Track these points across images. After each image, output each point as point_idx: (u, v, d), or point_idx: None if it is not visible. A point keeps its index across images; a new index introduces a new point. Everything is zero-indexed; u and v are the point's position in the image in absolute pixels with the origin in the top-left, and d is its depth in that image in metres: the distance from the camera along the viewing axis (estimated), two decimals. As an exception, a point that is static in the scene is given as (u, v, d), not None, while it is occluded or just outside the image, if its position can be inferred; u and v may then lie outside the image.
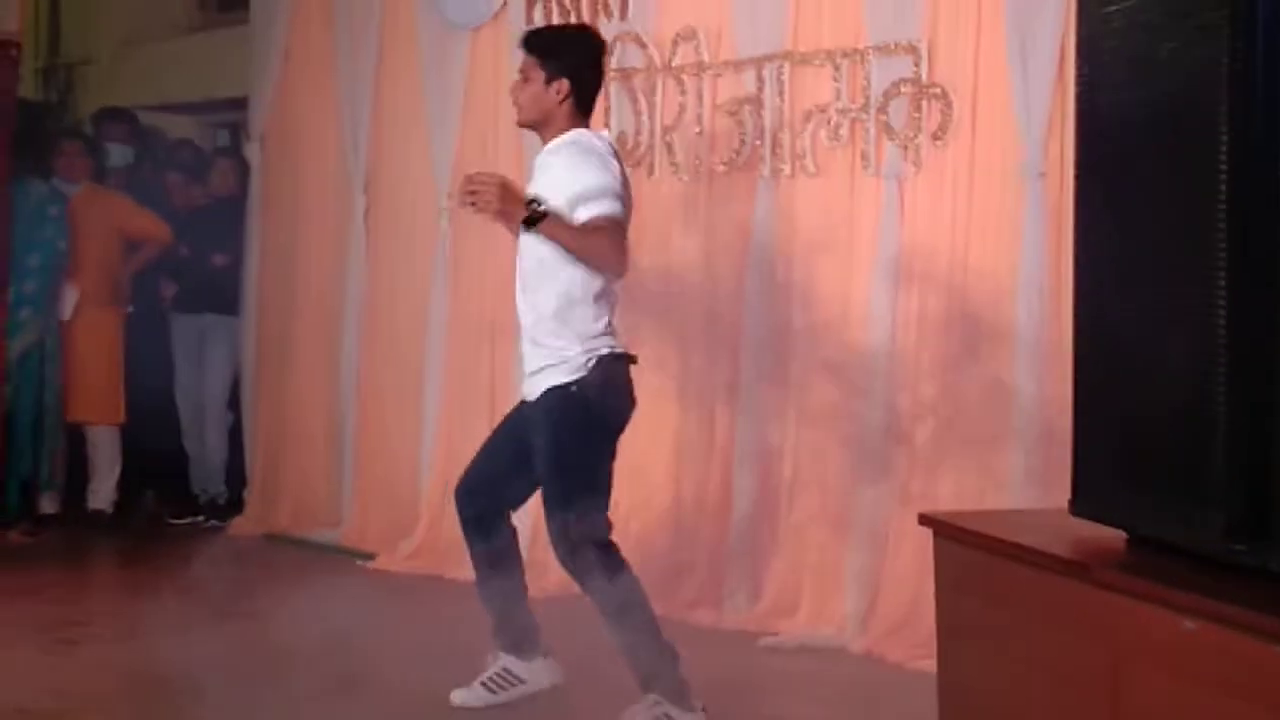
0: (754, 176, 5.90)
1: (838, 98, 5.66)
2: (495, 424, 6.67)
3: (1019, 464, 5.15)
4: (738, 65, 5.96)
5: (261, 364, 7.77)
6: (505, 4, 6.70)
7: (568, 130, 4.41)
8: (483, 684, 4.64)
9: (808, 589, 5.69)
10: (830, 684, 5.03)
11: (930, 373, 5.47)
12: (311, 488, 7.54)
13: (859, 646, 5.39)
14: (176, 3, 10.19)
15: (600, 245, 4.28)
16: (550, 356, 4.35)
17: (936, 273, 5.45)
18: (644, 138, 6.20)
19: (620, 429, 4.44)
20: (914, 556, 5.08)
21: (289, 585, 6.21)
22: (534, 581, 6.18)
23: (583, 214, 4.23)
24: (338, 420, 7.41)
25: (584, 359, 4.31)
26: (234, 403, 7.97)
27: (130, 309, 7.79)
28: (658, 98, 6.18)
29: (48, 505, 7.52)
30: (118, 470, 7.64)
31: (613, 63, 6.24)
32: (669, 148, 6.10)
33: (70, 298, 7.37)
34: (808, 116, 5.73)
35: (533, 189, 4.35)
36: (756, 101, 5.88)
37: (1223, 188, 2.30)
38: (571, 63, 4.44)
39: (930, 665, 3.15)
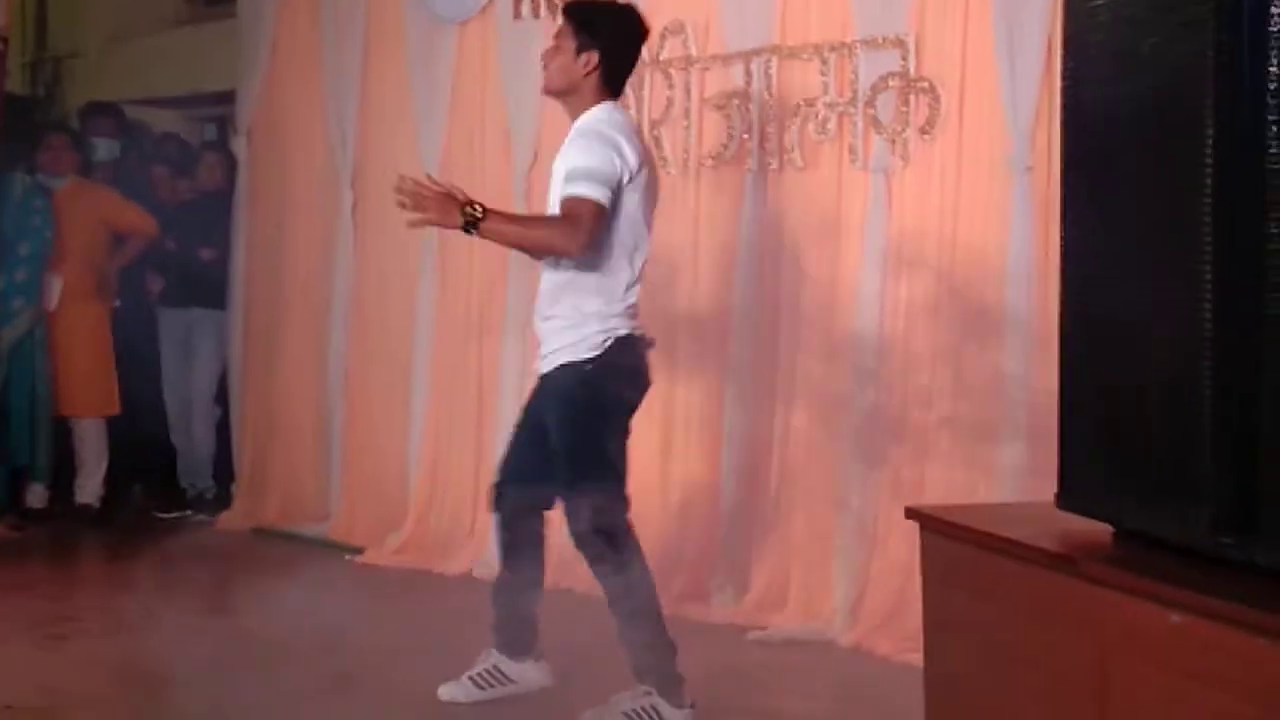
0: (742, 171, 5.90)
1: (825, 91, 5.67)
2: (483, 419, 6.76)
3: (1010, 456, 5.16)
4: (725, 59, 5.96)
5: (249, 358, 7.77)
6: (492, -2, 6.69)
7: (592, 105, 4.37)
8: (471, 679, 4.64)
9: (796, 582, 5.70)
10: (819, 677, 5.04)
11: (920, 366, 5.47)
12: (299, 482, 7.54)
13: (847, 640, 5.40)
14: (164, -3, 10.19)
15: (545, 232, 4.30)
16: (566, 335, 4.33)
17: (924, 266, 5.46)
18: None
19: (633, 409, 4.42)
20: (902, 550, 5.09)
21: (277, 580, 6.22)
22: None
23: (565, 194, 4.23)
24: (325, 414, 7.41)
25: (600, 338, 4.29)
26: (221, 397, 7.96)
27: (117, 303, 7.78)
28: (645, 92, 6.17)
29: (35, 500, 7.52)
30: (105, 464, 7.62)
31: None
32: (656, 142, 6.09)
33: (55, 286, 7.35)
34: (795, 110, 5.74)
35: (557, 165, 4.35)
36: (744, 95, 5.88)
37: (1208, 181, 2.30)
38: (605, 36, 4.39)
39: (919, 658, 3.15)
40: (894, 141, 5.48)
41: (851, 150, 5.60)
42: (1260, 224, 2.24)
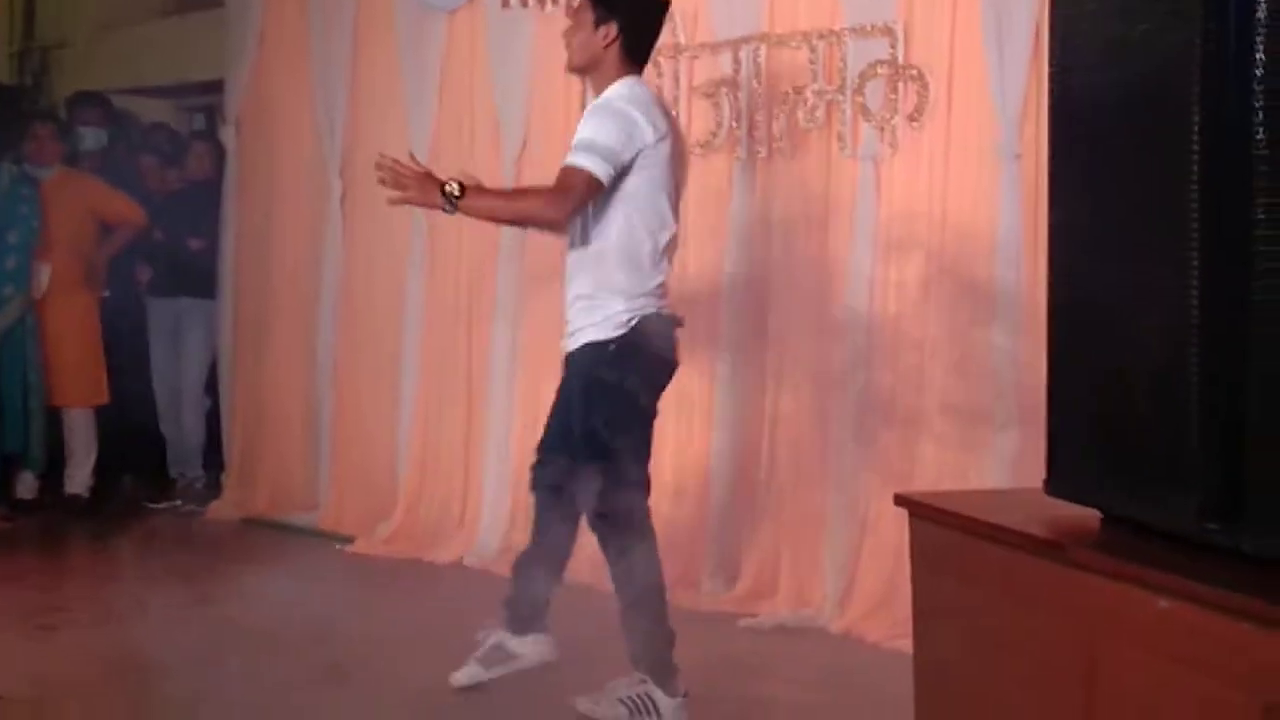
0: (730, 159, 5.90)
1: (814, 79, 5.66)
2: (472, 407, 6.76)
3: (999, 442, 5.17)
4: (714, 47, 5.95)
5: (238, 348, 7.76)
6: (482, -15, 6.67)
7: (616, 79, 4.33)
8: (477, 660, 4.62)
9: (786, 570, 5.71)
10: (809, 665, 5.05)
11: (909, 353, 5.48)
12: (289, 471, 7.53)
13: (838, 627, 5.41)
14: (151, -14, 10.16)
15: (527, 203, 4.30)
16: (589, 314, 4.31)
17: (914, 253, 5.46)
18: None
19: (658, 391, 4.39)
20: (892, 537, 5.10)
21: (267, 570, 6.22)
22: (511, 564, 6.23)
23: (562, 164, 4.22)
24: (315, 403, 7.40)
25: (625, 317, 4.26)
26: (211, 387, 7.94)
27: (106, 293, 7.77)
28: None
29: (24, 490, 7.52)
30: (94, 455, 7.62)
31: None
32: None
33: (43, 274, 7.34)
34: (784, 98, 5.74)
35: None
36: (733, 83, 5.88)
37: (1195, 168, 2.29)
38: (623, 7, 4.35)
39: (908, 645, 3.16)
40: (883, 129, 5.49)
41: (840, 138, 5.60)
42: (1247, 211, 2.24)
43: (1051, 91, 2.77)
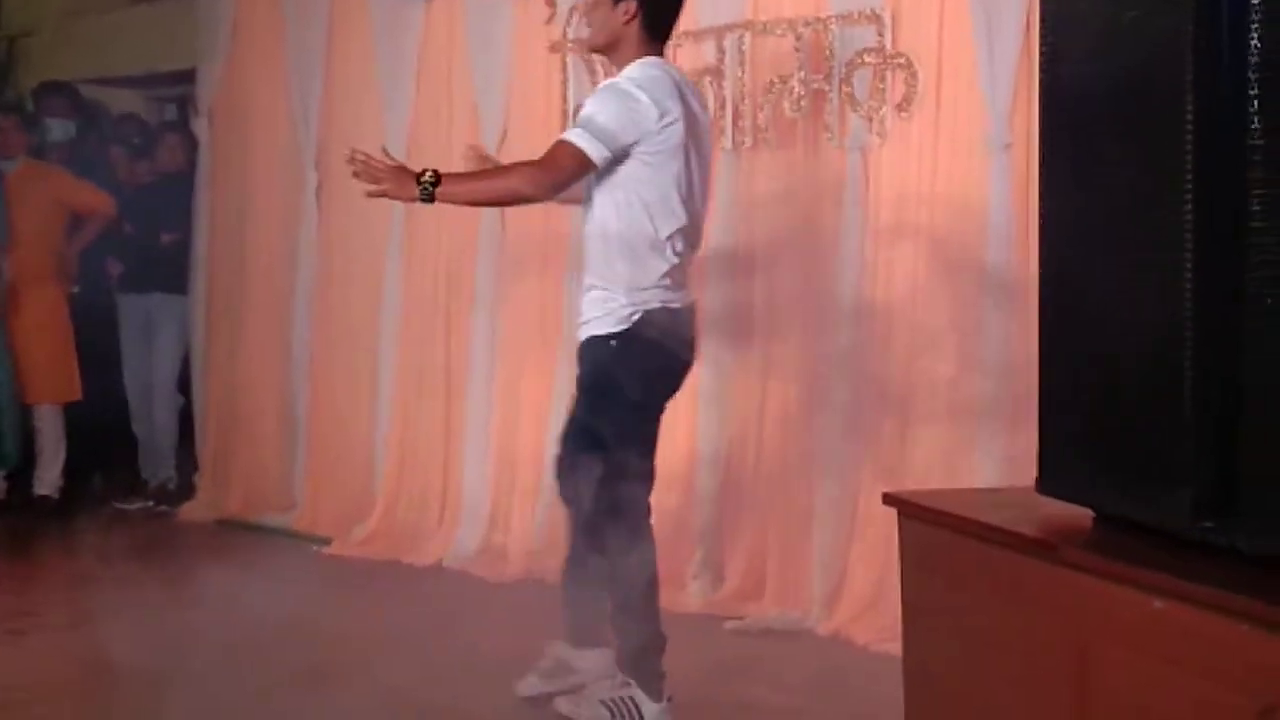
0: (715, 149, 5.83)
1: (800, 68, 5.59)
2: (451, 404, 6.71)
3: (991, 438, 5.11)
4: (698, 35, 5.87)
5: (211, 344, 7.68)
6: (459, -27, 6.60)
7: (635, 58, 4.22)
8: (537, 672, 4.53)
9: (773, 569, 5.65)
10: (796, 667, 4.99)
11: (899, 347, 5.42)
12: (263, 471, 7.44)
13: (825, 629, 5.36)
14: (121, -29, 10.05)
15: (505, 180, 4.18)
16: (596, 306, 4.22)
17: (902, 245, 5.41)
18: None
19: (666, 389, 4.30)
20: (882, 535, 5.05)
21: (242, 572, 6.15)
22: (491, 566, 6.20)
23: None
24: (290, 401, 7.32)
25: (627, 311, 4.16)
26: (184, 384, 7.87)
27: (76, 288, 7.69)
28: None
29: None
30: (63, 455, 7.54)
31: (569, 33, 6.19)
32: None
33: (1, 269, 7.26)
34: (769, 87, 5.67)
35: None
36: (717, 72, 5.80)
37: (1188, 159, 2.29)
38: None
39: (897, 647, 3.13)
40: (870, 119, 5.43)
41: (827, 128, 5.54)
42: (1241, 202, 2.23)
43: (1042, 80, 2.75)
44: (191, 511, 7.50)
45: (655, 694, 4.25)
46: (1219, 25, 2.25)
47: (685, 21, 5.82)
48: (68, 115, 8.22)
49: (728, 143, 5.75)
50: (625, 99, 4.11)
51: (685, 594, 5.69)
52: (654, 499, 5.72)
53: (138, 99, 9.85)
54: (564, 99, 6.21)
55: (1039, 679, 2.53)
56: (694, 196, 4.26)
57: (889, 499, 3.05)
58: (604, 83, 4.28)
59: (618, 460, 4.20)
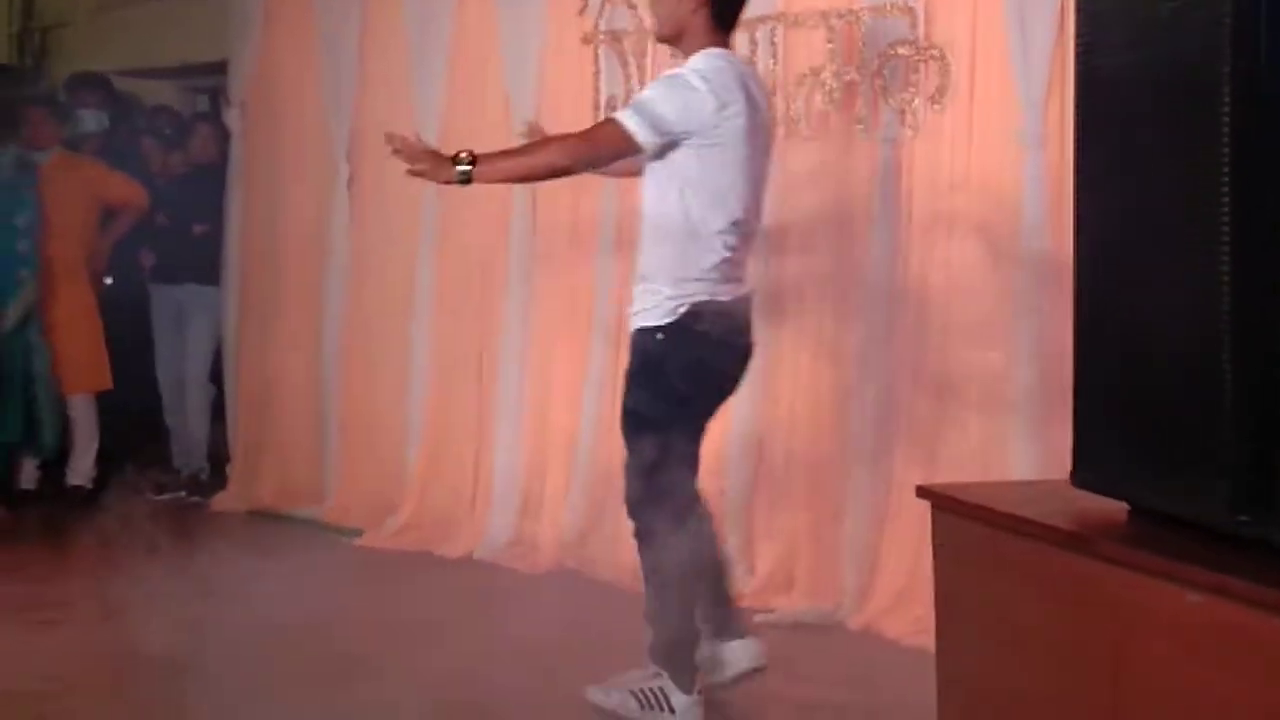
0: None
1: (832, 60, 5.57)
2: (483, 395, 6.71)
3: (1023, 431, 5.09)
4: (730, 27, 5.85)
5: (243, 335, 7.67)
6: (492, -39, 6.58)
7: (704, 47, 4.17)
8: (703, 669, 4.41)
9: (804, 563, 5.63)
10: (826, 661, 4.97)
11: (931, 339, 5.39)
12: (295, 462, 7.44)
13: (856, 623, 5.33)
14: (153, -36, 10.07)
15: (541, 156, 4.16)
16: (644, 298, 4.19)
17: (935, 238, 5.38)
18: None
19: (715, 382, 4.25)
20: (913, 529, 5.03)
21: (274, 563, 6.15)
22: (523, 557, 6.20)
23: None
24: (322, 393, 7.31)
25: (672, 304, 4.12)
26: (216, 376, 7.88)
27: (109, 280, 7.70)
28: (648, 61, 6.07)
29: (26, 481, 7.45)
30: (95, 445, 7.55)
31: (601, 25, 6.17)
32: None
33: None
34: (801, 80, 5.65)
35: None
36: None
37: (1226, 151, 2.28)
38: None
39: (928, 641, 3.12)
40: (903, 111, 5.40)
41: (859, 120, 5.51)
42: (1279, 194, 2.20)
43: (1077, 73, 2.74)
44: (223, 502, 7.51)
45: (686, 686, 4.23)
46: (1258, 17, 2.25)
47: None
48: (100, 106, 8.24)
49: (760, 135, 5.73)
50: (684, 88, 4.07)
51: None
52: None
53: (170, 90, 9.85)
54: (596, 90, 6.19)
55: (1073, 674, 2.52)
56: (751, 191, 4.20)
57: (922, 492, 3.04)
58: (667, 72, 4.23)
59: (660, 451, 4.15)
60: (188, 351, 7.84)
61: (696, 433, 4.26)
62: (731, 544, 5.72)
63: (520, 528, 6.37)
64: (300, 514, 7.19)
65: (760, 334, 5.67)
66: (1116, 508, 2.64)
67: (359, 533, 6.76)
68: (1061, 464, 2.81)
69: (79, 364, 7.42)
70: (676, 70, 4.17)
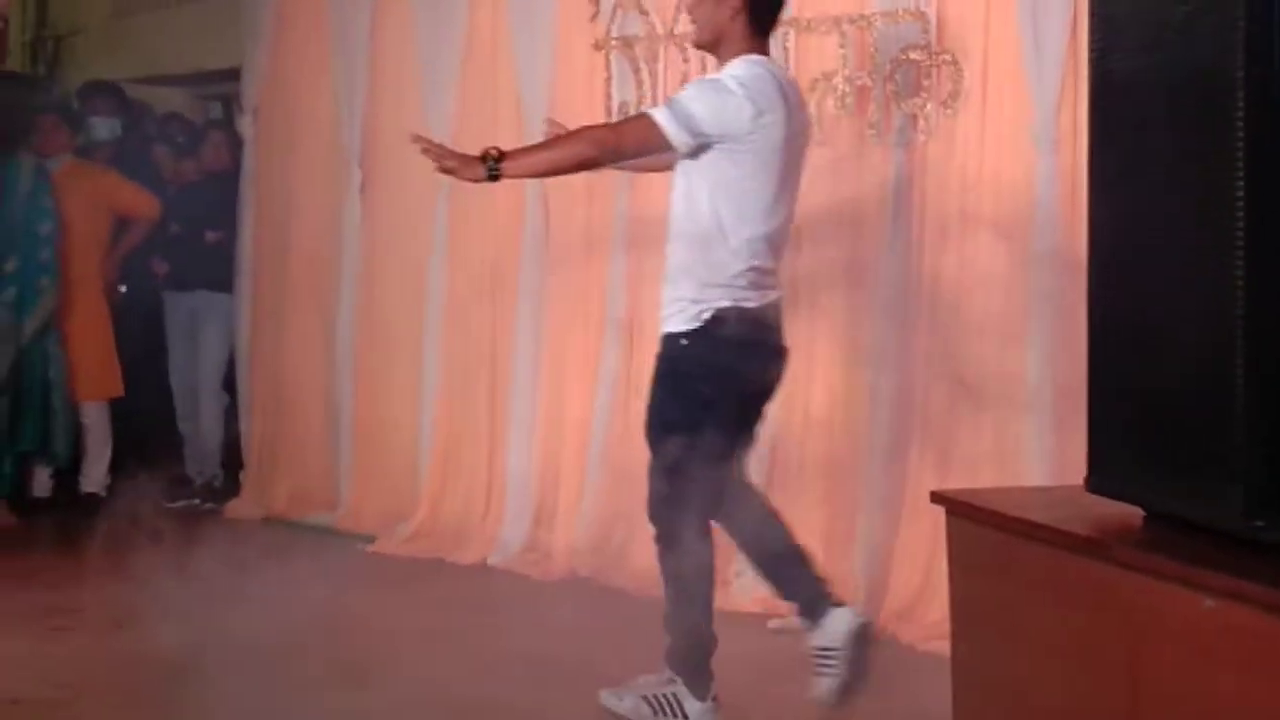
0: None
1: (844, 65, 5.56)
2: (495, 402, 6.70)
3: (1035, 434, 5.08)
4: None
5: (256, 342, 7.66)
6: (504, -33, 6.58)
7: (741, 53, 4.14)
8: (817, 674, 4.28)
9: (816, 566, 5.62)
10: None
11: (943, 342, 5.38)
12: (308, 469, 7.42)
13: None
14: (165, -29, 10.09)
15: (568, 148, 4.13)
16: (670, 303, 4.15)
17: (948, 241, 5.37)
18: (646, 108, 6.08)
19: (743, 389, 4.17)
20: (926, 532, 5.02)
21: (288, 570, 6.13)
22: (536, 564, 6.18)
23: None
24: (335, 399, 7.30)
25: (696, 309, 4.08)
26: (229, 383, 7.88)
27: (123, 288, 7.71)
28: (660, 66, 6.05)
29: (39, 488, 7.45)
30: (109, 452, 7.55)
31: (613, 31, 6.17)
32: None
33: None
34: (813, 85, 5.64)
35: None
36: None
37: (1240, 155, 2.28)
38: None
39: (943, 647, 3.12)
40: (916, 116, 5.39)
41: (872, 125, 5.50)
42: (1296, 198, 2.20)
43: (1091, 77, 2.74)
44: (237, 509, 7.49)
45: (701, 693, 4.22)
46: (1271, 20, 2.25)
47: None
48: (113, 114, 8.22)
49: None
50: (721, 93, 4.03)
51: (727, 592, 5.63)
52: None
53: (182, 97, 9.87)
54: (607, 96, 6.18)
55: (1090, 678, 2.52)
56: (784, 200, 4.17)
57: (937, 498, 3.04)
58: (706, 76, 4.21)
59: (682, 457, 4.11)
60: (201, 359, 7.84)
61: (725, 439, 4.17)
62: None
63: (534, 535, 6.35)
64: (313, 521, 7.17)
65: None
66: (1131, 513, 2.63)
67: (371, 539, 6.74)
68: (1075, 468, 2.81)
69: (91, 371, 7.42)
70: (715, 76, 4.14)
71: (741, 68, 4.10)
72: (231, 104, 8.39)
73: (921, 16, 5.37)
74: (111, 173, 7.67)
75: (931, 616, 4.99)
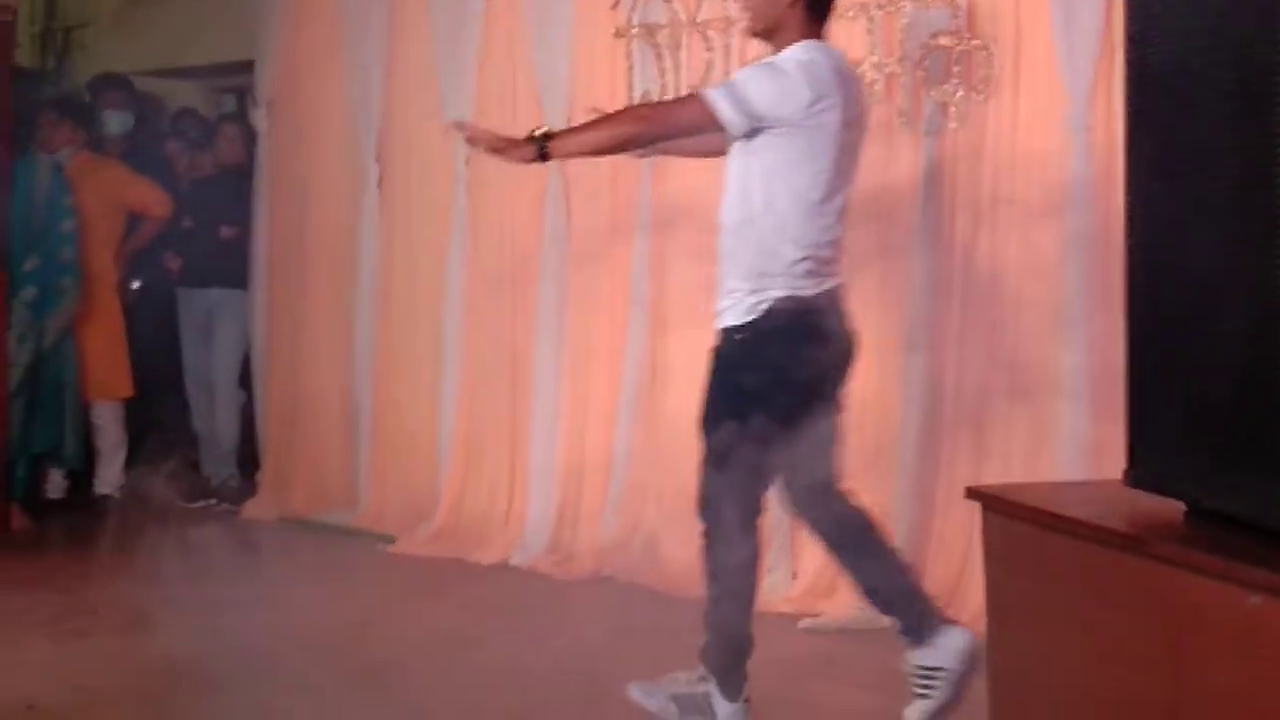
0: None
1: (872, 52, 5.51)
2: (517, 399, 6.65)
3: (1072, 423, 5.04)
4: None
5: (272, 340, 7.63)
6: (520, -42, 6.54)
7: (798, 40, 4.02)
8: (917, 694, 4.18)
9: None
10: (872, 667, 4.85)
11: (977, 333, 5.34)
12: (326, 468, 7.39)
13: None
14: (178, -38, 10.06)
15: (617, 125, 4.06)
16: (726, 295, 4.06)
17: (979, 231, 5.34)
18: (669, 97, 6.02)
19: (801, 386, 4.04)
20: (963, 523, 4.99)
21: (307, 570, 6.15)
22: (559, 564, 6.15)
23: None
24: (353, 397, 7.26)
25: (753, 300, 3.97)
26: (245, 381, 7.86)
27: (136, 285, 7.69)
28: (683, 54, 6.00)
29: (54, 490, 7.45)
30: (123, 453, 7.55)
31: (635, 18, 6.12)
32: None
33: None
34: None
35: None
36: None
37: (1279, 140, 2.23)
38: None
39: (980, 637, 3.08)
40: (946, 103, 5.35)
41: (901, 113, 5.46)
42: (1339, 185, 2.17)
43: (1127, 64, 2.71)
44: (254, 509, 7.44)
45: (732, 694, 4.14)
46: (1310, 5, 2.21)
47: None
48: (124, 107, 8.20)
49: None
50: (779, 75, 3.94)
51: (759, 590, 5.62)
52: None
53: (195, 90, 9.83)
54: (629, 86, 6.14)
55: (1131, 677, 2.50)
56: (841, 186, 4.08)
57: (972, 493, 3.02)
58: (760, 64, 4.10)
59: (734, 453, 4.01)
60: (216, 357, 7.81)
61: (781, 434, 4.05)
62: (773, 549, 5.67)
63: (556, 534, 6.31)
64: (332, 520, 7.13)
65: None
66: (1172, 508, 2.61)
67: (392, 539, 6.70)
68: (1111, 462, 2.77)
69: (101, 372, 7.39)
70: (774, 59, 4.03)
71: (802, 52, 4.00)
72: (245, 97, 8.34)
73: (951, 2, 5.32)
74: (122, 167, 7.66)
75: (963, 616, 4.92)
